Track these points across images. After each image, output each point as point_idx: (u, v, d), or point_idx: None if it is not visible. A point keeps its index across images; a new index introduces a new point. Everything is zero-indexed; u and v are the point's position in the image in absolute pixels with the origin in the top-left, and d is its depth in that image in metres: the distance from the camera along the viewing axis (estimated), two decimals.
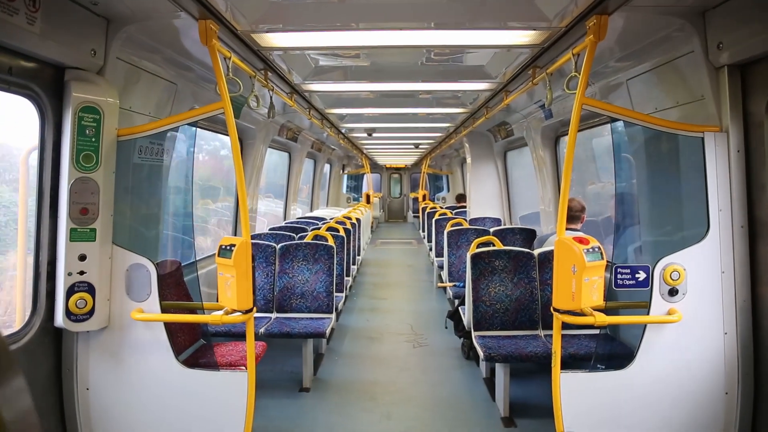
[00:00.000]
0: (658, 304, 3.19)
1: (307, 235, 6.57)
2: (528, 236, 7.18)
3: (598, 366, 3.51)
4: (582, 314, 3.09)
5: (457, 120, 8.19)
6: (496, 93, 5.45)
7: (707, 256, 3.17)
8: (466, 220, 8.92)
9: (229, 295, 3.17)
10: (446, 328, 6.54)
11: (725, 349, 3.17)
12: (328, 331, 5.02)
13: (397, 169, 24.83)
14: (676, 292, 3.18)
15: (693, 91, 3.27)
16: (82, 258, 3.09)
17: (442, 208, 13.26)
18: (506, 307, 4.76)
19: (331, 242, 5.78)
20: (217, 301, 3.33)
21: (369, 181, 19.74)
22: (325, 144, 12.56)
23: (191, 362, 3.90)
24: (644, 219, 3.61)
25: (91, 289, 3.12)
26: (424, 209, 13.91)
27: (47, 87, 2.95)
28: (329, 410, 4.43)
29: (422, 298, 8.77)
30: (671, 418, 3.20)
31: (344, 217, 9.28)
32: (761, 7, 2.64)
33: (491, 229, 7.35)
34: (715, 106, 3.12)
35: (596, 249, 3.03)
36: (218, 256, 3.18)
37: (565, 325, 3.18)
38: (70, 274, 3.06)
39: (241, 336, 4.49)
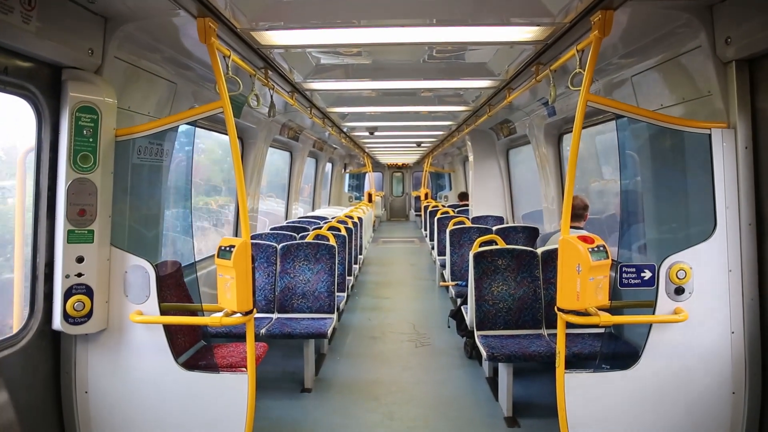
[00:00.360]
0: (664, 304, 3.15)
1: (308, 234, 6.54)
2: (531, 234, 7.14)
3: (603, 366, 3.46)
4: (587, 314, 3.05)
5: (460, 118, 8.15)
6: (499, 90, 5.40)
7: (714, 255, 3.13)
8: (468, 219, 8.87)
9: (229, 296, 3.13)
10: (449, 327, 6.51)
11: (732, 348, 3.12)
12: (329, 331, 4.99)
13: (399, 168, 24.78)
14: (683, 291, 3.14)
15: (699, 87, 3.22)
16: (80, 260, 3.06)
17: (444, 206, 13.21)
18: (509, 306, 4.72)
19: (332, 242, 5.75)
20: (217, 302, 3.30)
21: (371, 179, 19.72)
22: (327, 143, 12.53)
23: (191, 364, 3.88)
24: (650, 217, 3.57)
25: (89, 292, 3.08)
26: (426, 208, 13.88)
27: (44, 87, 2.91)
28: (331, 411, 4.41)
29: (424, 297, 8.73)
30: (677, 419, 3.16)
31: (346, 216, 9.25)
32: None
33: (494, 228, 7.32)
34: (722, 102, 3.08)
35: (601, 248, 2.99)
36: (217, 257, 3.15)
37: (569, 324, 3.13)
38: (67, 276, 3.03)
39: (241, 337, 4.45)
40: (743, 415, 3.12)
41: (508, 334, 4.62)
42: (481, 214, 9.40)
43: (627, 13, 2.99)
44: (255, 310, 3.23)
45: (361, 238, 9.88)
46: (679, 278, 3.12)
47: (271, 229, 7.52)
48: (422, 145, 14.02)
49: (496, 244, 5.21)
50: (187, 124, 3.41)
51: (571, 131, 3.10)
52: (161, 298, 3.26)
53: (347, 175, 21.52)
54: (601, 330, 4.42)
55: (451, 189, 20.20)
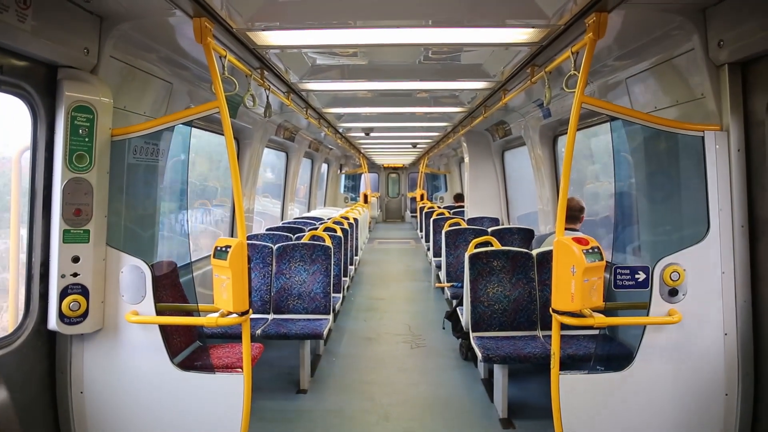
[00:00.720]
0: (658, 305, 3.16)
1: (304, 235, 6.53)
2: (526, 236, 7.16)
3: (597, 367, 3.48)
4: (581, 315, 3.06)
5: (455, 119, 8.16)
6: (494, 92, 5.42)
7: (707, 257, 3.15)
8: (464, 220, 8.89)
9: (225, 297, 3.13)
10: (444, 328, 6.53)
11: (725, 350, 3.14)
12: (325, 332, 4.99)
13: (395, 169, 24.80)
14: (676, 292, 3.16)
15: (693, 90, 3.25)
16: (76, 260, 3.05)
17: (440, 207, 13.23)
18: (504, 307, 4.73)
19: (328, 243, 5.75)
20: (213, 303, 3.29)
21: (367, 180, 19.72)
22: (323, 143, 12.53)
23: (187, 365, 3.87)
24: (644, 219, 3.58)
25: (84, 292, 3.07)
26: (422, 209, 13.89)
27: (39, 86, 2.90)
28: (327, 412, 4.40)
29: (420, 298, 8.74)
30: (670, 420, 3.18)
31: (342, 218, 9.25)
32: (763, 4, 2.62)
33: (489, 229, 7.33)
34: (715, 105, 3.10)
35: (596, 250, 3.00)
36: (213, 257, 3.14)
37: (564, 326, 3.14)
38: (63, 276, 3.02)
39: (237, 337, 4.45)
40: (736, 417, 3.14)
41: (504, 336, 4.64)
42: (476, 216, 9.41)
43: (621, 16, 3.01)
44: (251, 310, 3.22)
45: (356, 239, 9.88)
46: (672, 280, 3.14)
47: (267, 230, 7.52)
48: (418, 146, 14.04)
49: (492, 245, 5.22)
50: (183, 124, 3.41)
51: (566, 133, 3.12)
52: (157, 299, 3.25)
53: (343, 176, 21.50)
54: (596, 331, 4.44)
55: (446, 190, 20.22)
